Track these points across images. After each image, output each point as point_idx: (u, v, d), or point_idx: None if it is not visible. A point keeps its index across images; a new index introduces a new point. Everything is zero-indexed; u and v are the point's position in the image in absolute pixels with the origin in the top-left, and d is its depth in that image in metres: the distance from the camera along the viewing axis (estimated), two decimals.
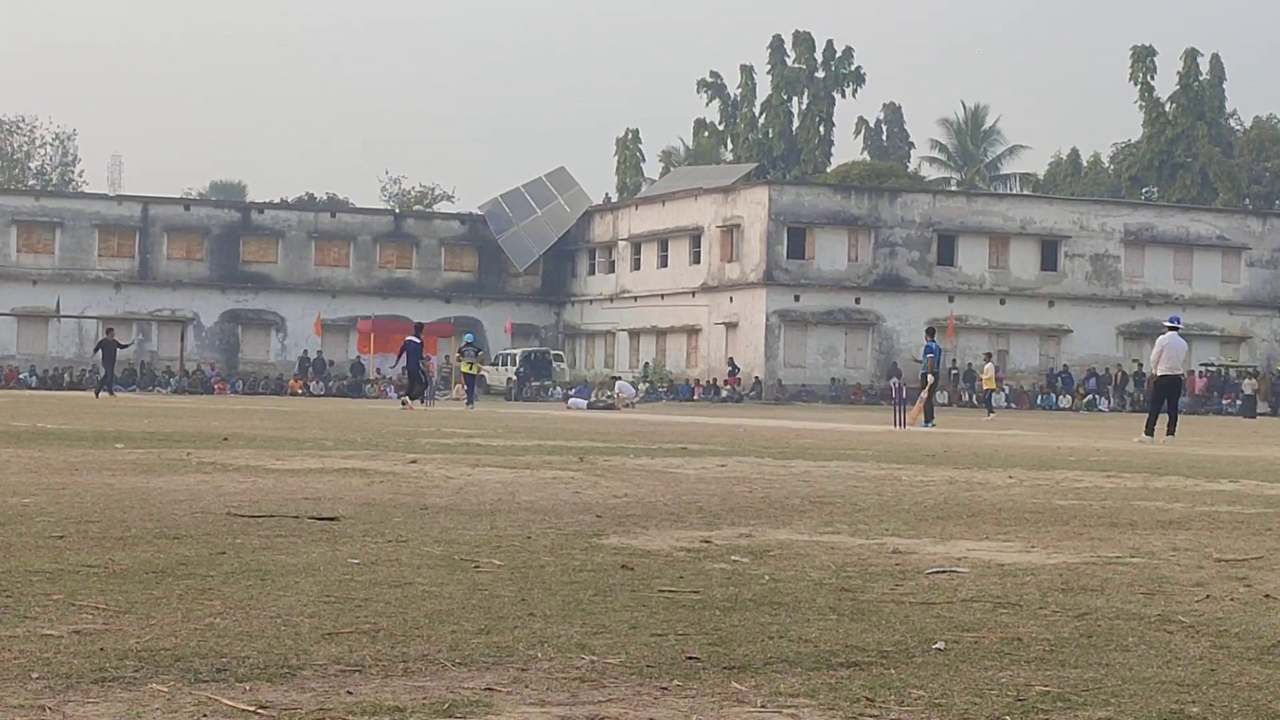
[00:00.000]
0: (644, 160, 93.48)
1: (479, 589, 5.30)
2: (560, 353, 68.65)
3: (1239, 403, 57.41)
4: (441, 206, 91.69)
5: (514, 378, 62.11)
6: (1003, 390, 57.47)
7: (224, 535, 6.79)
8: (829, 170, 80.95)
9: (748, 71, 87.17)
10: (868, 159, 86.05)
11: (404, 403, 35.50)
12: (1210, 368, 62.78)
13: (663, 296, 66.16)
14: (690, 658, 4.14)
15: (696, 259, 64.84)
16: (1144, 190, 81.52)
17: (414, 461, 12.50)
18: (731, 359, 61.24)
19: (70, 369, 64.55)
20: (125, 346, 47.88)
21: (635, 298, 68.11)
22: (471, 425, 22.95)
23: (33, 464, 11.19)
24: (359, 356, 67.15)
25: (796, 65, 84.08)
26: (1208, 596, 5.52)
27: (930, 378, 29.29)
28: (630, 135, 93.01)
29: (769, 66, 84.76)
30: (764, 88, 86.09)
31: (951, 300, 61.97)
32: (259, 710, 3.43)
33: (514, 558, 6.22)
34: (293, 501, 8.54)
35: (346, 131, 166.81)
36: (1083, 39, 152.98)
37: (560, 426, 24.08)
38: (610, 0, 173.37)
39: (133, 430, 17.84)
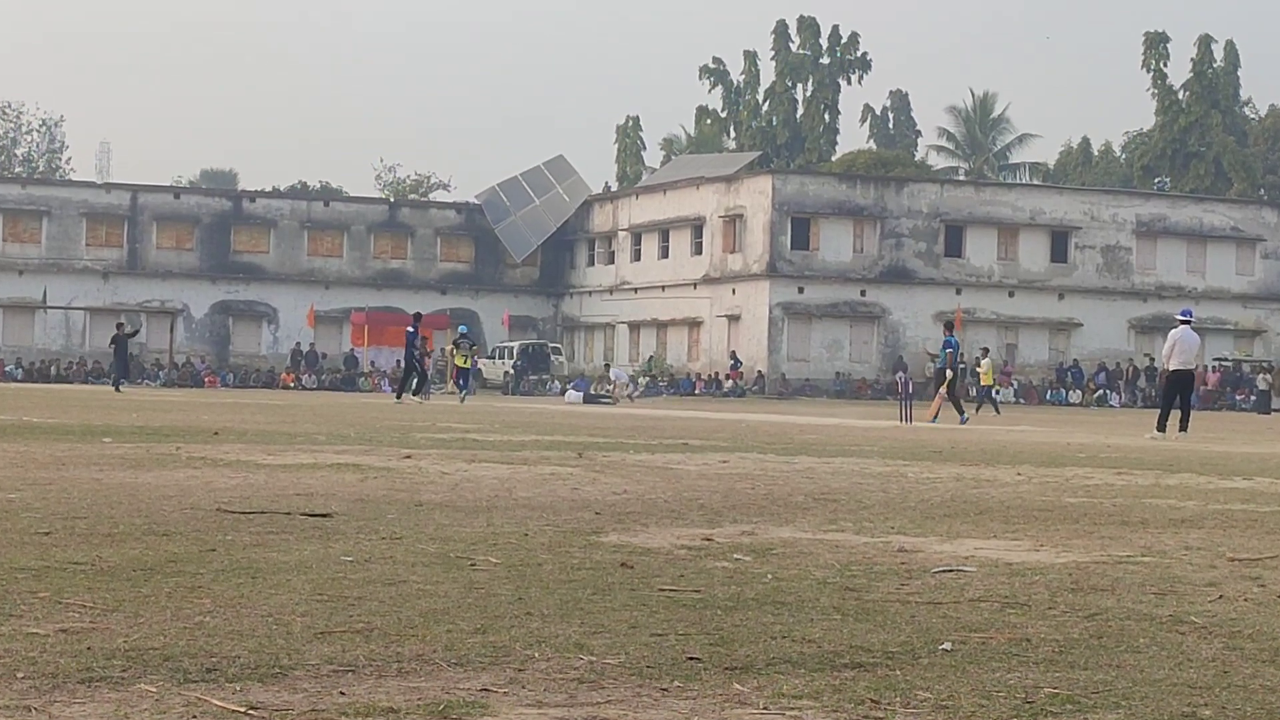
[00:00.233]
0: (645, 148, 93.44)
1: (475, 587, 5.28)
2: (559, 345, 68.65)
3: (1253, 398, 57.34)
4: (437, 195, 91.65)
5: (511, 371, 62.13)
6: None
7: (214, 532, 6.76)
8: (834, 159, 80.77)
9: (751, 57, 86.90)
10: (874, 147, 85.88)
11: (399, 397, 35.42)
12: (1224, 362, 62.58)
13: (664, 288, 66.11)
14: (691, 658, 4.12)
15: (698, 250, 64.73)
16: (1156, 180, 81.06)
17: (408, 457, 12.47)
18: (734, 352, 61.22)
19: (57, 361, 64.60)
20: (134, 334, 47.76)
21: (635, 289, 68.02)
22: (467, 420, 22.94)
23: (18, 458, 11.13)
24: (352, 349, 67.13)
25: (801, 51, 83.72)
26: (1221, 597, 5.50)
27: (949, 373, 29.03)
28: (631, 123, 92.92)
29: (773, 52, 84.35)
30: (768, 74, 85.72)
31: (959, 293, 61.82)
32: (250, 711, 3.42)
33: (511, 555, 6.19)
34: (284, 497, 8.51)
35: (340, 119, 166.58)
36: (1094, 25, 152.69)
37: (558, 421, 24.09)
38: None
39: (121, 424, 17.76)
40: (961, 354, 36.49)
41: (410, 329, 35.46)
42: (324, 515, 7.53)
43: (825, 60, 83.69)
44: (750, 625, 4.64)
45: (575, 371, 64.16)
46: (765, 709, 3.58)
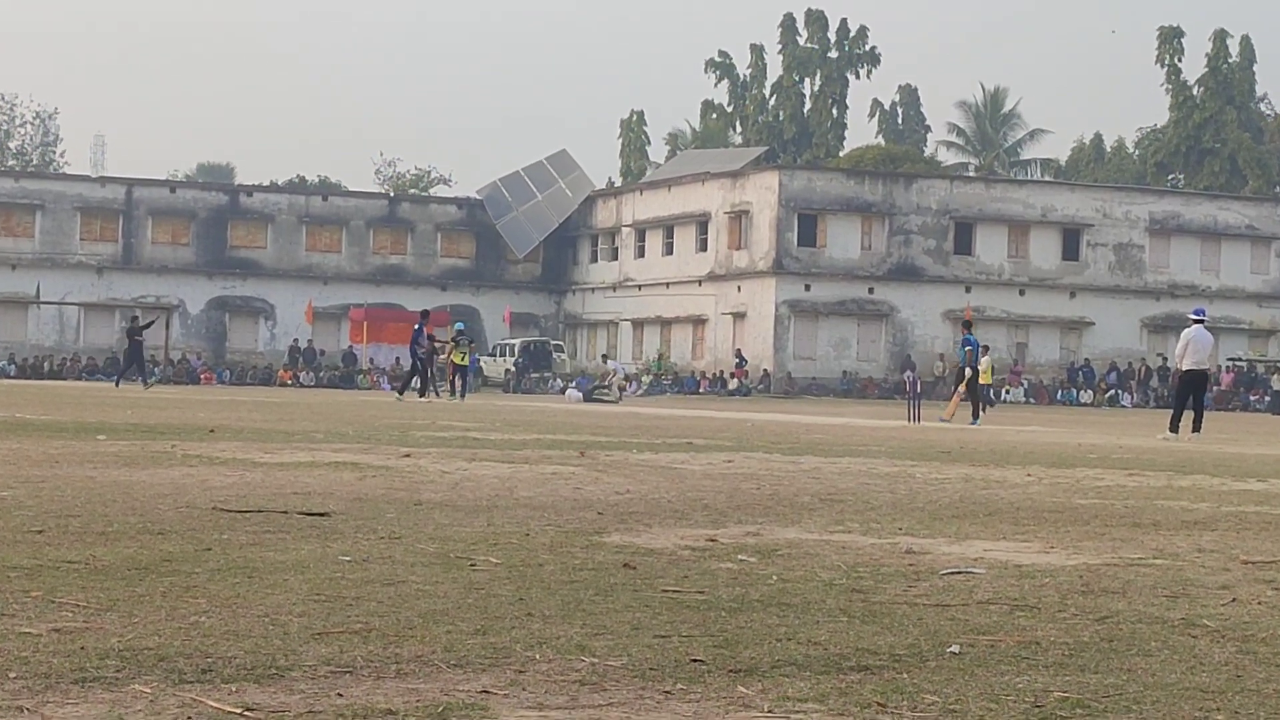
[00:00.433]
0: (649, 143, 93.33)
1: (475, 588, 5.26)
2: (560, 343, 68.64)
3: (1267, 399, 57.25)
4: (438, 190, 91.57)
5: (512, 369, 62.13)
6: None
7: (210, 531, 6.74)
8: (842, 154, 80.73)
9: (758, 51, 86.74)
10: (882, 143, 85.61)
11: (399, 394, 35.37)
12: (1238, 362, 62.42)
13: (668, 285, 66.05)
14: (695, 660, 4.10)
15: (703, 246, 64.64)
16: (1170, 177, 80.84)
17: (408, 455, 12.46)
18: (739, 350, 61.16)
19: (50, 357, 64.51)
20: (150, 325, 47.63)
21: (639, 286, 67.94)
22: (468, 418, 22.96)
23: (11, 456, 11.12)
24: (351, 346, 67.05)
25: (809, 45, 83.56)
26: (1234, 600, 5.48)
27: (968, 371, 28.94)
28: (635, 117, 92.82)
29: (780, 46, 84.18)
30: (775, 68, 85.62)
31: (969, 290, 61.55)
32: (245, 712, 3.40)
33: (512, 556, 6.18)
34: (281, 496, 8.49)
35: (339, 112, 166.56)
36: (1107, 19, 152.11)
37: (560, 420, 24.11)
38: None
39: (115, 421, 17.77)
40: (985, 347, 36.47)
41: (417, 326, 35.48)
42: (322, 514, 7.50)
43: (833, 54, 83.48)
44: (755, 627, 4.62)
45: (577, 369, 64.15)
46: (770, 712, 3.56)
